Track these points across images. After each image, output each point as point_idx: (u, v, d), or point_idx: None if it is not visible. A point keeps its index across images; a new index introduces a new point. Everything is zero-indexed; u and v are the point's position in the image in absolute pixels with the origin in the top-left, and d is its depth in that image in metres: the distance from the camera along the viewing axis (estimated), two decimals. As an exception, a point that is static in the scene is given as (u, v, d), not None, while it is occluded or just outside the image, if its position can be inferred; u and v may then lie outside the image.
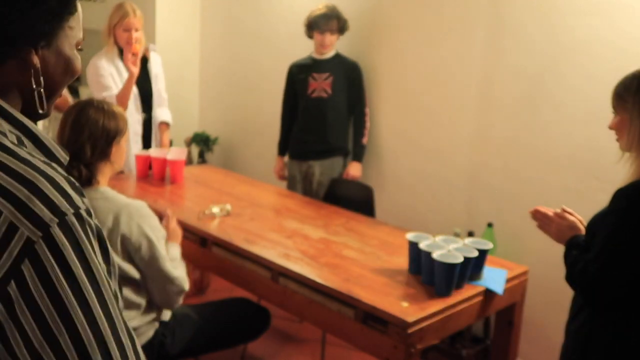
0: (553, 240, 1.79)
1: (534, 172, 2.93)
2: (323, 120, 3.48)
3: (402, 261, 2.29)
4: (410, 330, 1.85)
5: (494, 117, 3.08)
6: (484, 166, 3.14)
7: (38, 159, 0.78)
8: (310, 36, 3.47)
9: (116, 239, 1.96)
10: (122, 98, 3.28)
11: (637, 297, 1.51)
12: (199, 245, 2.57)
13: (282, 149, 3.71)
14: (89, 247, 0.74)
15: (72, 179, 0.79)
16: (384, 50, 3.56)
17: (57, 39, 0.86)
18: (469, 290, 2.09)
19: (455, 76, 3.22)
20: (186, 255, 2.72)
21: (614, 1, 2.60)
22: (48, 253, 0.70)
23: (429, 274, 2.08)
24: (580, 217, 1.76)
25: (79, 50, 0.91)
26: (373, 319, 1.94)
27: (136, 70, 3.27)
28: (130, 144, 3.47)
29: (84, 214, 0.75)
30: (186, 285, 2.13)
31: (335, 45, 3.46)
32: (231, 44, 4.63)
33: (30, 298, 0.69)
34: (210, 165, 4.31)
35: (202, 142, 4.70)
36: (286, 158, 3.71)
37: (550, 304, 2.85)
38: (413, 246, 2.17)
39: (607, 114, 1.74)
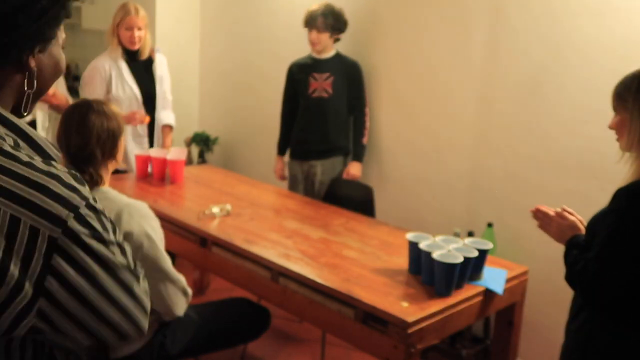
0: (553, 239, 1.79)
1: (533, 172, 2.93)
2: (324, 120, 3.48)
3: (402, 261, 2.29)
4: (410, 330, 1.85)
5: (494, 116, 3.08)
6: (484, 166, 3.14)
7: (38, 160, 0.81)
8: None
9: (117, 238, 1.96)
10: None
11: (637, 297, 1.51)
12: (199, 245, 2.57)
13: (282, 148, 3.71)
14: (103, 230, 0.83)
15: (73, 171, 0.84)
16: (384, 50, 3.56)
17: (52, 42, 0.89)
18: (469, 290, 2.09)
19: (455, 76, 3.22)
20: (186, 255, 2.73)
21: (614, 1, 2.60)
22: (72, 245, 0.79)
23: (429, 274, 2.08)
24: (580, 217, 1.76)
25: (63, 49, 0.95)
26: (373, 319, 1.94)
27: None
28: (132, 146, 3.48)
29: (93, 202, 0.83)
30: (188, 288, 2.14)
31: (331, 44, 3.44)
32: (231, 44, 4.63)
33: (68, 285, 0.80)
34: (210, 165, 4.31)
35: (202, 142, 4.70)
36: (286, 158, 3.72)
37: (550, 304, 2.85)
38: (413, 246, 2.17)
39: (606, 113, 1.74)
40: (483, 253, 2.15)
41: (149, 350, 2.14)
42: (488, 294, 2.14)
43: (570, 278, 1.62)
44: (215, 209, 2.73)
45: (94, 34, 5.29)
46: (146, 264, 2.01)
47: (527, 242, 2.93)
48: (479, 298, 2.12)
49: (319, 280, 2.11)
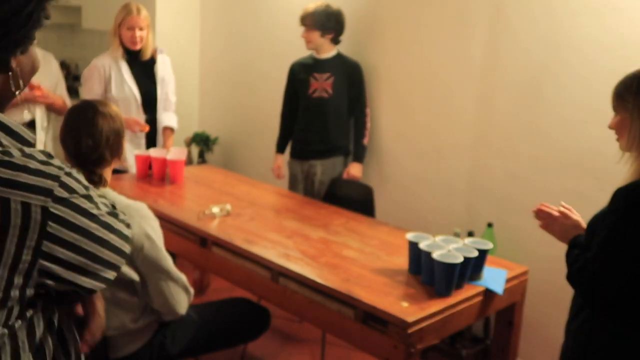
0: (556, 239, 1.78)
1: (533, 172, 2.93)
2: (324, 120, 3.48)
3: (402, 261, 2.29)
4: (410, 330, 1.85)
5: (494, 116, 3.08)
6: (484, 166, 3.14)
7: (13, 147, 0.91)
8: None
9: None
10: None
11: (636, 297, 1.51)
12: (199, 245, 2.57)
13: (281, 146, 3.71)
14: (82, 187, 0.95)
15: (42, 149, 0.94)
16: (384, 50, 3.56)
17: (33, 43, 0.95)
18: (469, 290, 2.09)
19: (455, 76, 3.22)
20: (186, 255, 2.72)
21: (614, 1, 2.60)
22: (62, 208, 0.90)
23: (429, 274, 2.08)
24: (578, 215, 1.76)
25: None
26: (373, 319, 1.94)
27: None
28: (128, 145, 3.47)
29: (69, 169, 0.94)
30: (190, 287, 2.14)
31: (327, 44, 3.43)
32: (231, 44, 4.63)
33: (64, 242, 0.91)
34: (210, 165, 4.31)
35: (202, 142, 4.70)
36: (285, 156, 3.71)
37: (550, 304, 2.85)
38: (413, 246, 2.17)
39: (606, 113, 1.74)
40: (483, 253, 2.15)
41: (149, 350, 2.14)
42: (488, 294, 2.14)
43: (571, 277, 1.62)
44: (215, 209, 2.73)
45: (94, 34, 5.29)
46: (148, 264, 2.02)
47: (527, 242, 2.93)
48: (479, 298, 2.12)
49: (319, 280, 2.11)
